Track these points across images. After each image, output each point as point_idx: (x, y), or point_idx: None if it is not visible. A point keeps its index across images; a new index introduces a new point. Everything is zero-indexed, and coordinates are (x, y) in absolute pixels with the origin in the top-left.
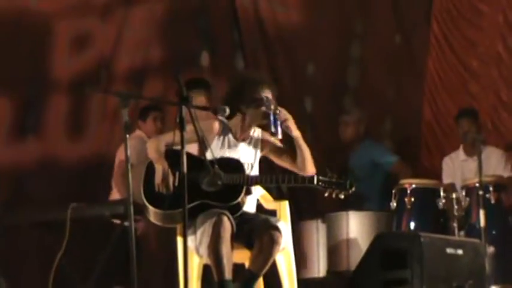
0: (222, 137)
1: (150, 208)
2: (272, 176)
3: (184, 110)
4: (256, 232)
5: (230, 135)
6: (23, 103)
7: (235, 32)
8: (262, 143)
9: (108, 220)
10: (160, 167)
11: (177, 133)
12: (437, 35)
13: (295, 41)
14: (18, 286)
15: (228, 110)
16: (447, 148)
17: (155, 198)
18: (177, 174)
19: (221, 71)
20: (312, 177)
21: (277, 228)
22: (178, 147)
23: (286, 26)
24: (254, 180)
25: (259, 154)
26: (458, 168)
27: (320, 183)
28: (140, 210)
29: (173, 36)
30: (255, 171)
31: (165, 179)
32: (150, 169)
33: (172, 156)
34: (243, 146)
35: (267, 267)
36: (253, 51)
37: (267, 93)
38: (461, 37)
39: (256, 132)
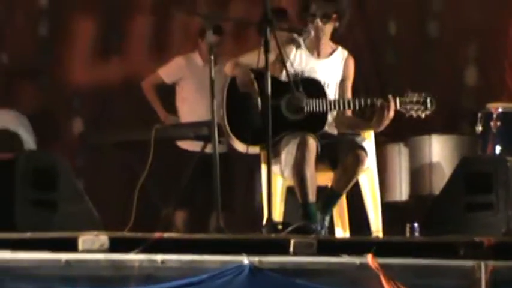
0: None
1: (235, 139)
2: (355, 100)
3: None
4: (342, 152)
5: (303, 53)
6: (106, 24)
7: None
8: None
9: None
10: (253, 91)
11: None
12: None
13: None
14: (102, 203)
15: (312, 33)
16: None
17: (239, 127)
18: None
19: None
20: (394, 99)
21: (362, 148)
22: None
23: None
24: (337, 105)
25: (339, 73)
26: None
27: (401, 104)
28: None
29: None
30: (331, 91)
31: (256, 106)
32: (232, 92)
33: (257, 80)
34: (321, 63)
35: (349, 186)
36: None
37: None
38: None
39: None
